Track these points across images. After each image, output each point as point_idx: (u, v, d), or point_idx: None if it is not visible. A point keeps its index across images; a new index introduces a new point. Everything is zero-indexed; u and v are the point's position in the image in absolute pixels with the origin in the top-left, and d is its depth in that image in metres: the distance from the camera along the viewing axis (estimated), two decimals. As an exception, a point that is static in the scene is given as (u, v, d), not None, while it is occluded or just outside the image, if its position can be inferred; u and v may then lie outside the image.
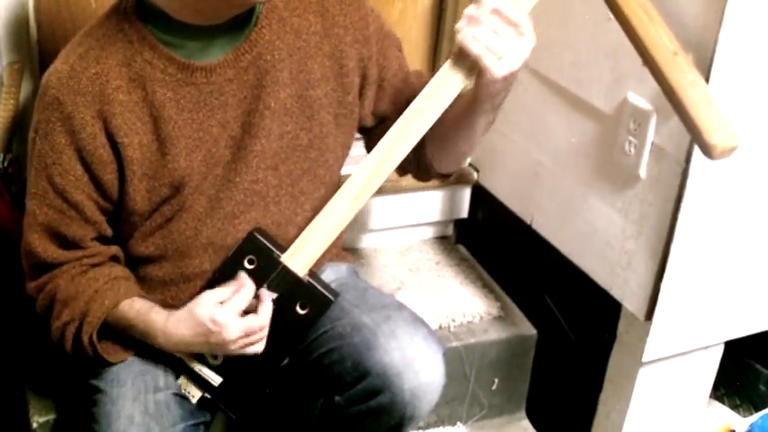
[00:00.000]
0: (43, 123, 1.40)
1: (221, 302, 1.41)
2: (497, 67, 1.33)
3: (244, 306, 1.42)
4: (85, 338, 1.45)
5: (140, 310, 1.45)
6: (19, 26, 1.79)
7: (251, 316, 1.42)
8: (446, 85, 1.39)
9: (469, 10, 1.33)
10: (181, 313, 1.43)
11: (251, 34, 1.44)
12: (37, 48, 1.82)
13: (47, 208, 1.43)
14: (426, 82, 1.40)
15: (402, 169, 1.59)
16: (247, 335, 1.42)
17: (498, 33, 1.31)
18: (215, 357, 1.49)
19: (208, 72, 1.42)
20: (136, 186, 1.43)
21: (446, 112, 1.40)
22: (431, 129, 1.41)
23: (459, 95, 1.40)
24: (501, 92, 1.41)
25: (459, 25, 1.33)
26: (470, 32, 1.32)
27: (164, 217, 1.48)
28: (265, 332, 1.45)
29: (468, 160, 1.86)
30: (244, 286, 1.44)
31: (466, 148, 1.57)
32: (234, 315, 1.40)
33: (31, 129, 1.44)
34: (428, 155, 1.57)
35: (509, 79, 1.36)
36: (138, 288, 1.51)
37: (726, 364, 2.03)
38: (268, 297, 1.45)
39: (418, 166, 1.60)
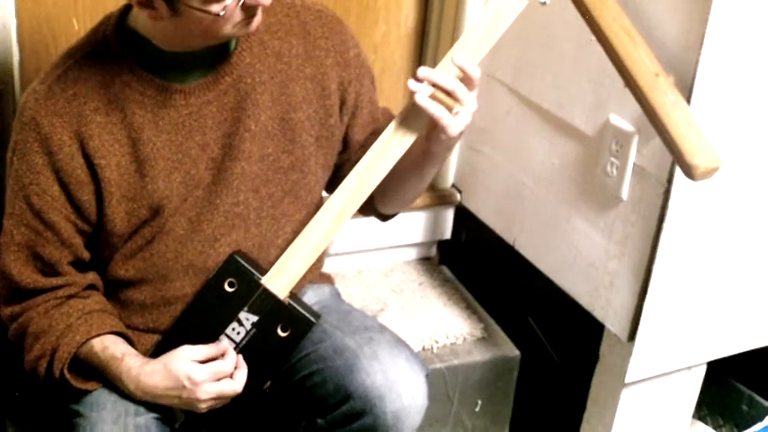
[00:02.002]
0: (20, 143, 1.40)
1: (199, 361, 1.42)
2: (455, 126, 1.37)
3: (223, 376, 1.43)
4: (56, 373, 1.43)
5: (114, 354, 1.44)
6: (1, 46, 1.78)
7: (226, 380, 1.43)
8: (401, 135, 1.42)
9: (422, 70, 1.36)
10: (156, 365, 1.42)
11: (231, 57, 1.44)
12: (19, 68, 1.81)
13: (24, 228, 1.42)
14: (392, 118, 1.43)
15: None
16: (218, 398, 1.42)
17: (454, 91, 1.35)
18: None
19: (187, 94, 1.41)
20: (114, 208, 1.42)
21: (396, 162, 1.43)
22: None
23: (410, 147, 1.43)
24: (455, 143, 1.45)
25: (413, 86, 1.36)
26: (426, 92, 1.35)
27: (144, 239, 1.47)
28: (234, 396, 1.45)
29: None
30: (226, 353, 1.44)
31: (412, 195, 1.62)
32: (210, 377, 1.41)
33: (8, 148, 1.43)
34: (373, 196, 1.57)
35: (463, 131, 1.40)
36: (114, 319, 1.50)
37: (709, 384, 2.03)
38: (244, 364, 1.46)
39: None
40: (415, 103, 1.35)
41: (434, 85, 1.35)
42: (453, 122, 1.37)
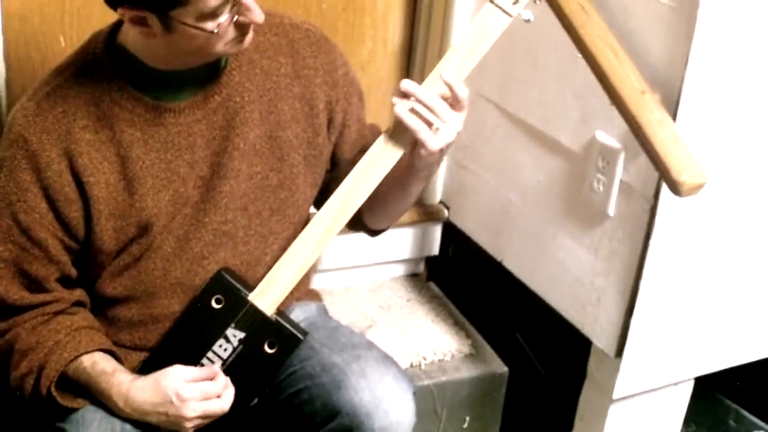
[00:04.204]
0: (8, 160, 1.39)
1: (190, 380, 1.41)
2: (434, 141, 1.38)
3: (211, 396, 1.42)
4: (43, 391, 1.42)
5: (104, 369, 1.43)
6: (-13, 64, 1.78)
7: (214, 400, 1.42)
8: (387, 152, 1.43)
9: (405, 83, 1.37)
10: (147, 380, 1.41)
11: (220, 76, 1.45)
12: (6, 85, 1.81)
13: (11, 245, 1.42)
14: (380, 135, 1.44)
15: None
16: (204, 417, 1.42)
17: (434, 107, 1.36)
18: None
19: (176, 113, 1.42)
20: (103, 226, 1.42)
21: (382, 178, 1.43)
22: None
23: (396, 163, 1.43)
24: (437, 162, 1.45)
25: (394, 99, 1.37)
26: (406, 106, 1.36)
27: (132, 257, 1.47)
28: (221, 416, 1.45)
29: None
30: (216, 375, 1.44)
31: (398, 210, 1.62)
32: (199, 396, 1.40)
33: None
34: (360, 211, 1.58)
35: (444, 150, 1.41)
36: (102, 336, 1.49)
37: (696, 399, 2.03)
38: (231, 384, 1.45)
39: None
40: (395, 115, 1.36)
41: (416, 100, 1.36)
42: (432, 138, 1.37)
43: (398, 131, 1.41)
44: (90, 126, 1.39)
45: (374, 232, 1.70)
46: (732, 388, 2.23)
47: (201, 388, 1.41)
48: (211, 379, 1.43)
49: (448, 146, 1.40)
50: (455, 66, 1.38)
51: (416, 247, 2.34)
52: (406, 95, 1.37)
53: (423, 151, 1.39)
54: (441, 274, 2.39)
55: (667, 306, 1.72)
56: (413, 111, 1.36)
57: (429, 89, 1.37)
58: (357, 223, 1.63)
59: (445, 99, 1.37)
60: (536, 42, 1.83)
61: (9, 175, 1.39)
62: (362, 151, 1.47)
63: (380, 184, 1.44)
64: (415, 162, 1.44)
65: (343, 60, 1.57)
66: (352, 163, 1.46)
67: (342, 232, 1.47)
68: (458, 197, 2.23)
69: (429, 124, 1.37)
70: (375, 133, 1.60)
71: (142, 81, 1.40)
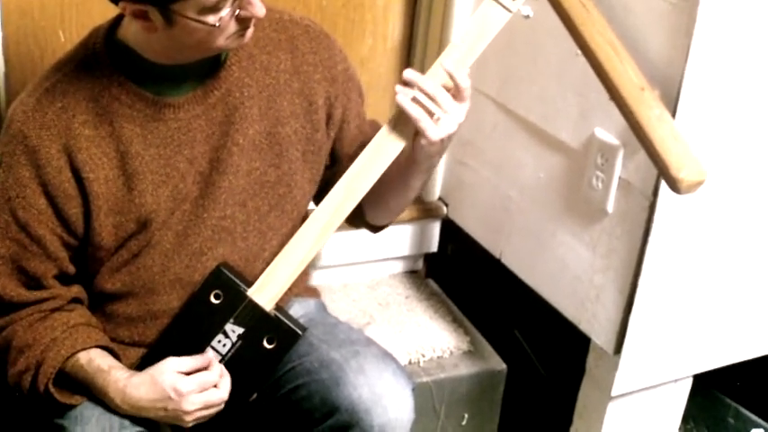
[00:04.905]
0: (7, 156, 1.39)
1: (185, 372, 1.41)
2: (434, 131, 1.37)
3: (208, 387, 1.42)
4: (41, 387, 1.42)
5: (100, 367, 1.43)
6: (-14, 60, 1.78)
7: (212, 390, 1.42)
8: (388, 144, 1.42)
9: (408, 72, 1.37)
10: (143, 377, 1.41)
11: (220, 71, 1.44)
12: (5, 80, 1.81)
13: (9, 241, 1.42)
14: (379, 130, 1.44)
15: None
16: (205, 408, 1.42)
17: (435, 96, 1.35)
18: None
19: (176, 108, 1.41)
20: (102, 221, 1.42)
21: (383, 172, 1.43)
22: None
23: (397, 157, 1.43)
24: (438, 153, 1.45)
25: (397, 87, 1.37)
26: (408, 94, 1.36)
27: (130, 253, 1.46)
28: (221, 405, 1.45)
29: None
30: (211, 363, 1.44)
31: (399, 205, 1.62)
32: (197, 387, 1.40)
33: None
34: (362, 207, 1.58)
35: (445, 141, 1.40)
36: (99, 333, 1.49)
37: (695, 397, 2.03)
38: (227, 373, 1.45)
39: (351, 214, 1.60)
40: (396, 104, 1.36)
41: (419, 89, 1.36)
42: (432, 127, 1.37)
43: (400, 123, 1.41)
44: (90, 122, 1.39)
45: (375, 228, 1.70)
46: (731, 385, 2.23)
47: (198, 379, 1.41)
48: (206, 368, 1.43)
49: (449, 137, 1.40)
50: (455, 61, 1.38)
51: (415, 243, 2.34)
52: (408, 84, 1.37)
53: (423, 141, 1.39)
54: (439, 270, 2.39)
55: (666, 303, 1.72)
56: (414, 100, 1.36)
57: (431, 79, 1.37)
58: (358, 219, 1.63)
59: (448, 90, 1.37)
60: (536, 39, 1.83)
61: (8, 171, 1.39)
62: (362, 147, 1.46)
63: (382, 178, 1.44)
64: (415, 154, 1.44)
65: (343, 56, 1.57)
66: (352, 158, 1.46)
67: (341, 229, 1.47)
68: (457, 194, 2.23)
69: (431, 114, 1.37)
70: (375, 129, 1.59)
71: (142, 76, 1.40)
